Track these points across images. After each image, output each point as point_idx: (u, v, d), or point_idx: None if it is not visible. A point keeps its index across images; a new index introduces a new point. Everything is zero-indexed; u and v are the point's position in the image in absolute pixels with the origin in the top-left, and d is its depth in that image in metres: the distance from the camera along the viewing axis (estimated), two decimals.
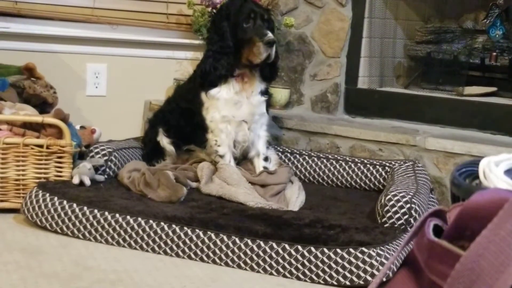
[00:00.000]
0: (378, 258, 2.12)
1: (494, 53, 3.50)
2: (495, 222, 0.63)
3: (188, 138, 3.01)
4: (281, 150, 3.26)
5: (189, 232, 2.30)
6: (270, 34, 2.78)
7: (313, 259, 2.17)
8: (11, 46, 3.35)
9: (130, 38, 3.67)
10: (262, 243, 2.22)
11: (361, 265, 2.12)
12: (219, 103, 2.86)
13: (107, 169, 2.86)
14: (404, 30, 3.83)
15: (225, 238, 2.26)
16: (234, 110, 2.88)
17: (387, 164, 3.04)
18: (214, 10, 3.57)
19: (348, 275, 2.13)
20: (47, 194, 2.51)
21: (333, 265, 2.14)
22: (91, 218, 2.42)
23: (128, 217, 2.38)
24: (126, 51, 3.68)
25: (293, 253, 2.18)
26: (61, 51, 3.51)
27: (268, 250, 2.21)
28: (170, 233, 2.32)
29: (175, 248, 2.30)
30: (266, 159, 2.99)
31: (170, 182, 2.64)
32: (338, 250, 2.15)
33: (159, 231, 2.33)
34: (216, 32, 2.89)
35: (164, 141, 3.05)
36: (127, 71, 3.68)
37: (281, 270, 2.20)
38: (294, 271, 2.18)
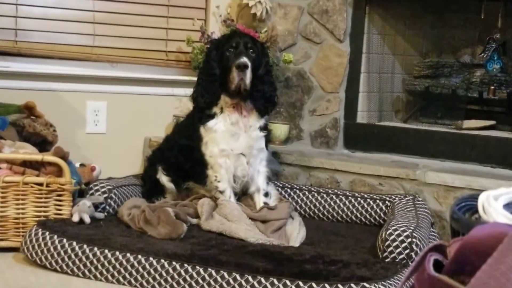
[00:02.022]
0: None
1: (492, 87, 3.51)
2: (495, 256, 0.63)
3: (188, 175, 3.01)
4: (281, 185, 3.26)
5: (190, 269, 2.29)
6: (243, 59, 2.80)
7: None
8: (11, 85, 3.37)
9: (130, 76, 3.69)
10: (263, 280, 2.21)
11: None
12: (217, 135, 2.87)
13: (107, 207, 2.85)
14: (402, 65, 3.86)
15: (225, 274, 2.25)
16: (232, 142, 2.88)
17: (387, 199, 3.03)
18: None
19: None
20: (47, 233, 2.50)
21: None
22: (91, 256, 2.40)
23: (128, 254, 2.37)
24: (125, 89, 3.70)
25: None
26: (61, 89, 3.52)
27: (269, 286, 2.19)
28: (171, 270, 2.31)
29: (175, 285, 2.29)
30: (266, 194, 2.99)
31: (170, 219, 2.63)
32: (340, 286, 2.13)
33: (159, 269, 2.32)
34: (206, 62, 2.97)
35: (163, 179, 3.05)
36: (126, 108, 3.69)
37: None
38: None
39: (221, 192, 2.89)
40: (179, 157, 3.02)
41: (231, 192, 2.91)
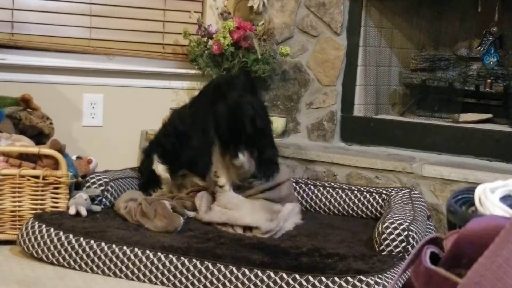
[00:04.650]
0: (376, 287, 2.11)
1: (489, 80, 3.51)
2: (492, 249, 0.63)
3: (183, 162, 3.00)
4: None
5: (186, 262, 2.29)
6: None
7: None
8: (7, 77, 3.36)
9: (127, 69, 3.68)
10: (259, 273, 2.21)
11: None
12: None
13: (104, 199, 2.85)
14: (399, 58, 3.85)
15: (222, 267, 2.25)
16: None
17: (384, 192, 3.03)
18: (210, 40, 3.60)
19: None
20: (43, 225, 2.50)
21: None
22: (87, 249, 2.40)
23: (125, 247, 2.37)
24: (122, 81, 3.69)
25: (291, 282, 2.17)
26: (57, 82, 3.51)
27: (265, 279, 2.20)
28: (167, 263, 2.31)
29: (172, 278, 2.29)
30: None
31: (167, 212, 2.63)
32: (336, 279, 2.13)
33: (156, 261, 2.32)
34: None
35: (159, 168, 3.04)
36: (123, 101, 3.69)
37: None
38: None
39: (221, 187, 2.88)
40: (175, 143, 3.02)
41: (230, 186, 2.91)
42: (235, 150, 2.78)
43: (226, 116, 2.80)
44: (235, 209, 2.72)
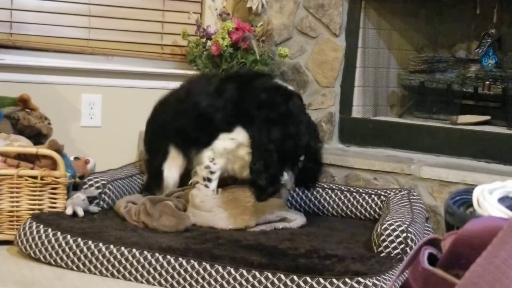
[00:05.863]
0: None
1: (487, 82, 3.51)
2: (490, 250, 0.63)
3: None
4: None
5: (184, 263, 2.29)
6: None
7: None
8: (6, 77, 3.35)
9: (125, 69, 3.68)
10: (257, 274, 2.21)
11: None
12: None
13: (101, 202, 2.84)
14: (397, 59, 3.85)
15: (220, 268, 2.25)
16: None
17: (382, 193, 3.03)
18: (209, 41, 3.59)
19: None
20: (41, 226, 2.49)
21: None
22: (85, 249, 2.40)
23: (123, 248, 2.37)
24: (121, 82, 3.69)
25: (289, 283, 2.17)
26: (56, 82, 3.51)
27: (263, 280, 2.19)
28: (165, 264, 2.30)
29: (169, 279, 2.29)
30: None
31: (175, 211, 2.65)
32: (334, 280, 2.13)
33: (153, 262, 2.32)
34: None
35: (172, 165, 3.00)
36: (122, 101, 3.68)
37: None
38: None
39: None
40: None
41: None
42: (281, 169, 2.70)
43: (284, 142, 2.70)
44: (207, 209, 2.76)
